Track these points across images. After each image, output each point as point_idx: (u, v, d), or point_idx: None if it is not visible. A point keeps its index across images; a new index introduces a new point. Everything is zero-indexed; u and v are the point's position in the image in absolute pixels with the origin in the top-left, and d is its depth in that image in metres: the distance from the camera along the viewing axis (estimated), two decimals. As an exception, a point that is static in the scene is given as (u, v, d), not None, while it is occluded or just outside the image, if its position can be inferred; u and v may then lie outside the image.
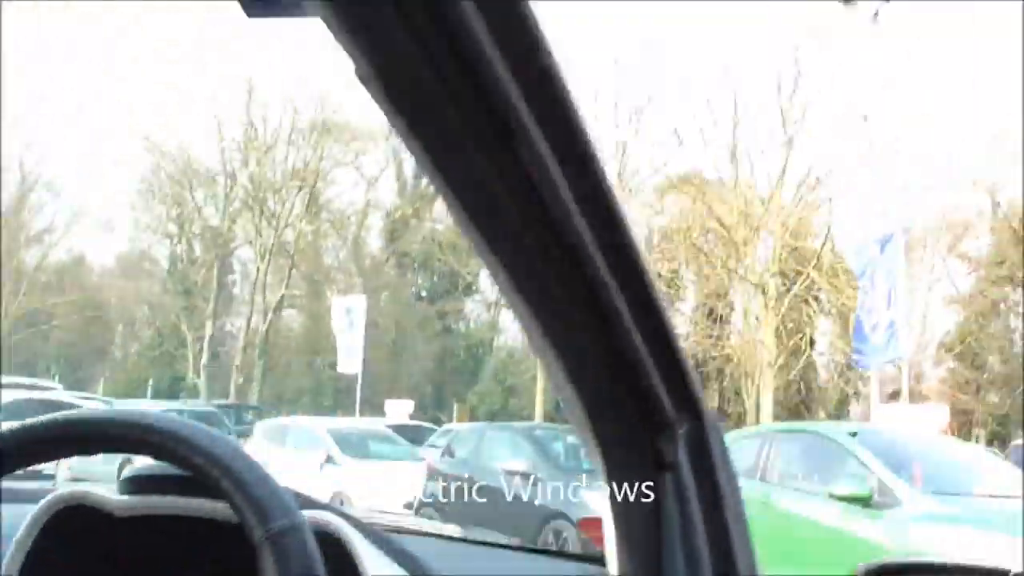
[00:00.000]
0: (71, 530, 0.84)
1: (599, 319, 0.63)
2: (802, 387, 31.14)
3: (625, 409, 0.72)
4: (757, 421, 22.06)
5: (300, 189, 35.83)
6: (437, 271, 38.81)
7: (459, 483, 10.04)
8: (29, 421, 0.78)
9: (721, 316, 31.69)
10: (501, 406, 39.27)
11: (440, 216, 38.38)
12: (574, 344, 0.66)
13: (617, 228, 0.60)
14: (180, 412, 19.07)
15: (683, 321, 36.84)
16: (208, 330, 35.52)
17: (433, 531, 1.33)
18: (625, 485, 0.75)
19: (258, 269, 35.49)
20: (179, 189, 37.30)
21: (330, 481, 10.85)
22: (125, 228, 40.04)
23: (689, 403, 0.74)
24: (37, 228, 38.59)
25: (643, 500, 0.74)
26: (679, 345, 0.72)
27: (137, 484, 0.88)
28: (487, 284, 42.90)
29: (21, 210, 36.73)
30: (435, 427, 16.42)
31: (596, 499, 8.91)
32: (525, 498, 9.45)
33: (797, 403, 33.09)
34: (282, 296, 36.26)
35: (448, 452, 11.28)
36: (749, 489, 7.56)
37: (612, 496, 0.77)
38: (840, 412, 30.84)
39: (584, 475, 9.63)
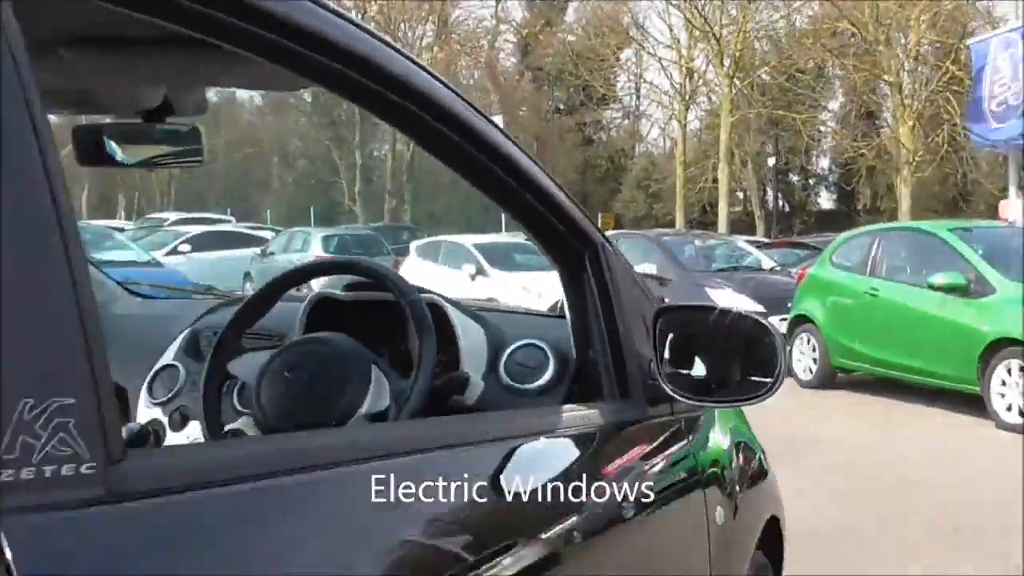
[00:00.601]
0: (320, 310, 1.69)
1: (510, 191, 1.36)
2: (959, 180, 30.20)
3: (555, 241, 1.48)
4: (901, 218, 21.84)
5: (429, 16, 36.05)
6: (572, 83, 38.63)
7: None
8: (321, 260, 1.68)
9: (870, 113, 30.75)
10: (645, 213, 39.81)
11: (571, 27, 37.90)
12: (510, 206, 1.41)
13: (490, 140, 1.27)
14: (342, 236, 20.75)
15: (831, 118, 35.83)
16: (358, 158, 37.21)
17: (508, 309, 2.17)
18: (570, 287, 1.53)
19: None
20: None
21: (481, 291, 11.93)
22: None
23: (584, 236, 1.50)
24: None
25: (574, 290, 1.53)
26: (563, 200, 1.44)
27: (349, 288, 1.73)
28: (624, 92, 42.54)
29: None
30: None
31: (725, 297, 9.69)
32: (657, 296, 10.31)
33: (953, 196, 32.16)
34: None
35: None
36: (857, 282, 8.14)
37: (564, 286, 1.55)
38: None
39: (710, 276, 10.39)
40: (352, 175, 37.74)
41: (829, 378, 8.58)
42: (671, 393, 1.49)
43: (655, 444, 1.59)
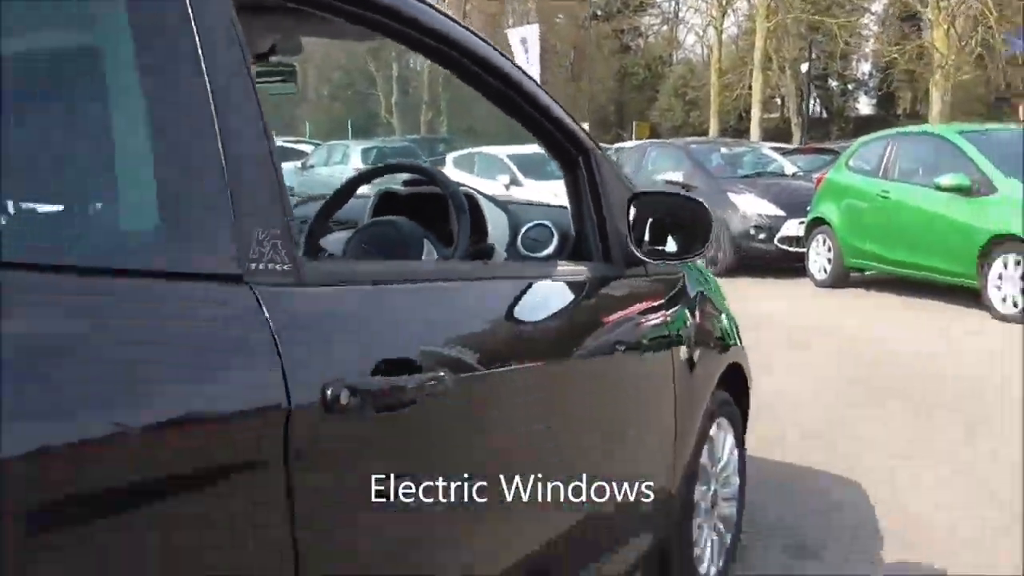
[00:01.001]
0: (384, 201, 2.30)
1: (522, 110, 1.93)
2: (1002, 85, 29.82)
3: (558, 148, 2.04)
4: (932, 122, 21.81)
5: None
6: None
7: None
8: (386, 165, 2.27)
9: (913, 15, 30.23)
10: (682, 121, 39.72)
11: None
12: (523, 121, 1.97)
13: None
14: (380, 148, 21.26)
15: (873, 21, 35.20)
16: (395, 70, 37.40)
17: (525, 201, 2.76)
18: (568, 181, 2.10)
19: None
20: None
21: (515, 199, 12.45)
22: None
23: (579, 144, 2.05)
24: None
25: (572, 183, 2.09)
26: (562, 116, 2.00)
27: (406, 184, 2.32)
28: (661, -2, 41.88)
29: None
30: (609, 147, 17.69)
31: (746, 201, 10.14)
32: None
33: (997, 99, 31.76)
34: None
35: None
36: (871, 185, 8.57)
37: (565, 181, 2.11)
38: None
39: (735, 181, 10.80)
40: (389, 87, 37.99)
41: (843, 278, 9.08)
42: (638, 255, 2.07)
43: (629, 292, 2.18)
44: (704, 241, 2.11)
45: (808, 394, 5.11)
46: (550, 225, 2.20)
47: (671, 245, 2.22)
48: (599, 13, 42.44)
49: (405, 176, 2.40)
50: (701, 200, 2.19)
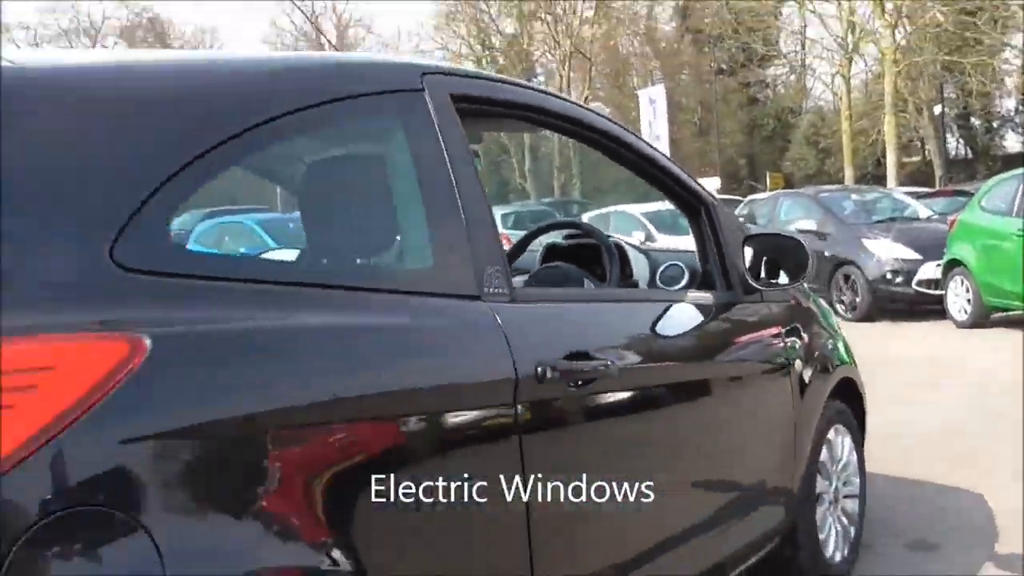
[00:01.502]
0: (549, 251, 2.97)
1: (650, 175, 2.56)
2: None
3: (684, 203, 2.63)
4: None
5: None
6: (733, 44, 38.49)
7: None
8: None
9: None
10: (816, 169, 39.37)
11: (731, -13, 37.73)
12: (653, 183, 2.59)
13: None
14: (519, 212, 22.22)
15: (1014, 56, 34.26)
16: (525, 138, 38.73)
17: (661, 248, 3.34)
18: (693, 228, 2.68)
19: (560, 75, 37.79)
20: (475, 10, 40.03)
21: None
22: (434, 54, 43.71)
23: (700, 198, 2.63)
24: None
25: (697, 230, 2.67)
26: (684, 177, 2.60)
27: (566, 238, 2.98)
28: (788, 49, 41.93)
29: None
30: (742, 199, 18.04)
31: (881, 247, 10.34)
32: (816, 250, 11.06)
33: None
34: (586, 96, 38.36)
35: (749, 218, 13.00)
36: (1006, 224, 8.70)
37: (691, 228, 2.69)
38: None
39: (867, 228, 11.00)
40: (520, 153, 39.31)
41: (983, 317, 9.14)
42: (753, 284, 2.63)
43: (748, 314, 2.72)
44: (803, 270, 2.65)
45: (938, 422, 5.41)
46: (681, 264, 2.79)
47: (782, 277, 2.77)
48: (724, 68, 42.75)
49: (565, 232, 3.05)
50: (799, 238, 2.73)
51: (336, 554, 1.41)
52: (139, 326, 1.27)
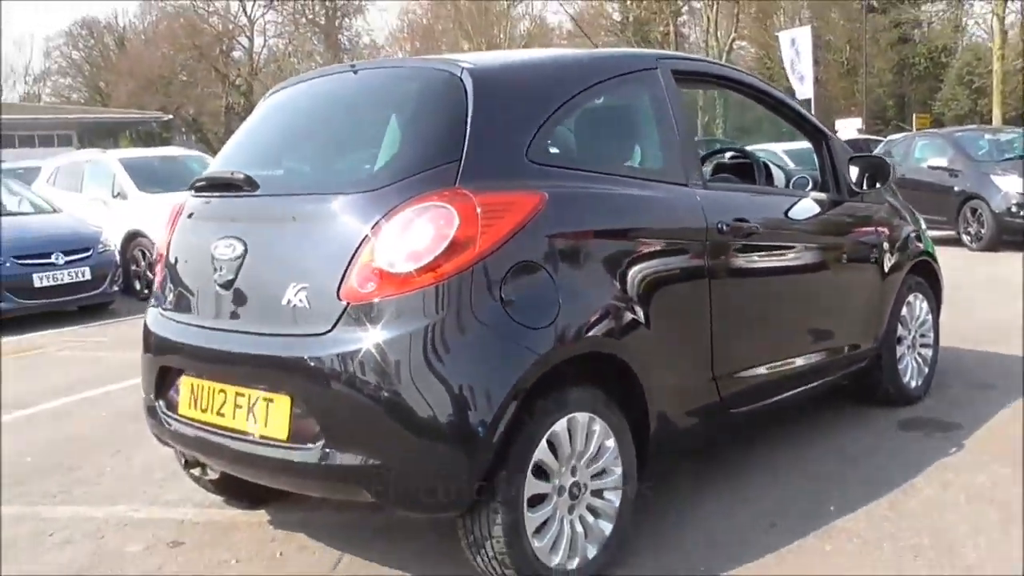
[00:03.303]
0: (716, 166, 4.45)
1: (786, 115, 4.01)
2: None
3: (810, 135, 4.05)
4: None
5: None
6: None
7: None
8: None
9: None
10: (969, 109, 38.50)
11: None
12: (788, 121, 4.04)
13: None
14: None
15: None
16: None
17: (795, 168, 4.80)
18: (816, 152, 4.10)
19: (707, 17, 38.14)
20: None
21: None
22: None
23: (820, 132, 4.03)
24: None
25: (818, 154, 4.09)
26: (809, 117, 4.03)
27: (731, 158, 4.47)
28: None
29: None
30: (881, 139, 18.67)
31: (1008, 182, 11.19)
32: (946, 185, 11.96)
33: None
34: (732, 37, 38.61)
35: (886, 157, 13.86)
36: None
37: (815, 153, 4.11)
38: None
39: (996, 164, 11.81)
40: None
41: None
42: (855, 189, 4.04)
43: (851, 208, 4.12)
44: (887, 178, 4.04)
45: (1019, 319, 6.60)
46: (807, 176, 4.22)
47: (875, 183, 4.16)
48: (875, 5, 41.86)
49: (730, 153, 4.52)
50: (886, 159, 4.11)
51: (635, 307, 2.94)
52: (542, 188, 2.82)
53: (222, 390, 2.86)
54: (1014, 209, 11.07)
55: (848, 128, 23.78)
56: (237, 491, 3.56)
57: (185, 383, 3.02)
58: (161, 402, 3.15)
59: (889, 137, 17.11)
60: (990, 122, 28.96)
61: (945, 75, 41.07)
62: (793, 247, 3.75)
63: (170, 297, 3.20)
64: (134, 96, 46.05)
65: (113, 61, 51.68)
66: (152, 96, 46.29)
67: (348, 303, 2.57)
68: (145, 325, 3.30)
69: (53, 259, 8.87)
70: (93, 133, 36.97)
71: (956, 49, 42.68)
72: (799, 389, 3.80)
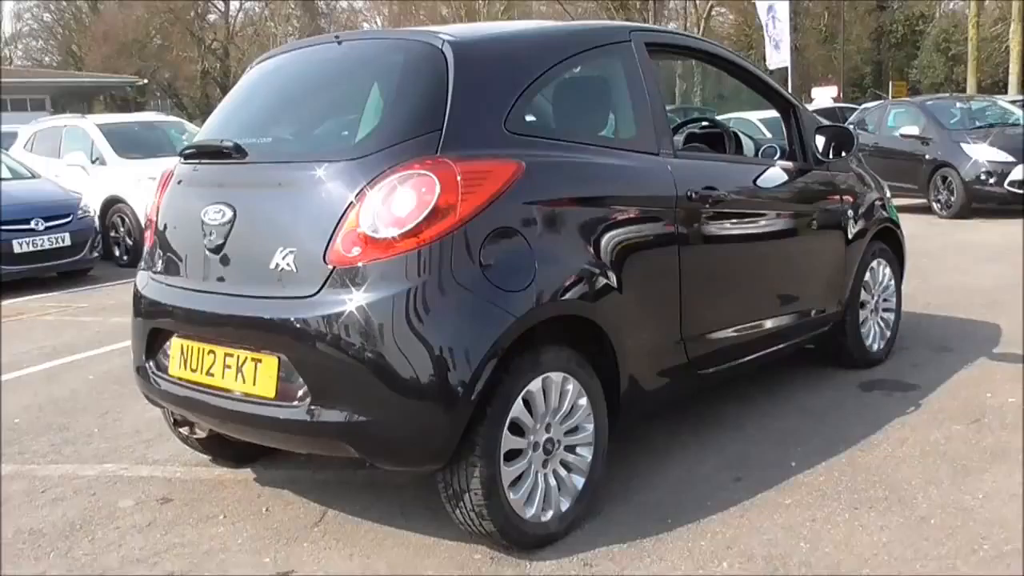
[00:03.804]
0: (688, 136, 4.57)
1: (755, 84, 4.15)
2: None
3: (777, 104, 4.19)
4: None
5: None
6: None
7: (865, 148, 12.90)
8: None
9: None
10: (945, 77, 38.76)
11: None
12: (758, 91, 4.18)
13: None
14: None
15: None
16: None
17: (764, 137, 4.91)
18: (784, 121, 4.24)
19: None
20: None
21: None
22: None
23: (787, 101, 4.17)
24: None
25: (785, 122, 4.23)
26: (777, 87, 4.16)
27: (701, 128, 4.58)
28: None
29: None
30: (856, 106, 18.84)
31: (978, 151, 11.38)
32: (917, 153, 12.16)
33: None
34: (711, 5, 38.55)
35: (860, 125, 14.05)
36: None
37: (782, 122, 4.25)
38: None
39: (966, 133, 12.01)
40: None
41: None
42: (820, 158, 4.18)
43: (816, 176, 4.26)
44: (850, 147, 4.19)
45: (987, 284, 6.80)
46: (775, 145, 4.36)
47: (840, 153, 4.30)
48: (855, -28, 41.86)
49: (702, 123, 4.64)
50: (851, 129, 4.26)
51: (608, 272, 3.07)
52: (519, 157, 2.94)
53: (211, 351, 2.98)
54: (983, 177, 11.28)
55: (823, 96, 23.90)
56: (224, 450, 3.69)
57: (175, 344, 3.13)
58: (151, 363, 3.27)
59: (864, 105, 17.27)
60: (965, 90, 29.20)
61: (922, 42, 41.27)
62: (761, 214, 3.90)
63: (160, 261, 3.30)
64: (108, 60, 45.32)
65: (86, 24, 50.81)
66: (127, 60, 45.58)
67: (334, 267, 2.69)
68: (135, 288, 3.40)
69: (33, 225, 8.90)
70: (67, 97, 36.51)
71: (933, 16, 42.85)
72: (765, 351, 3.96)
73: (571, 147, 3.14)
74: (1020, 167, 11.07)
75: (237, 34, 50.74)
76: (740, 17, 41.83)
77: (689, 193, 3.42)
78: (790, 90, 25.17)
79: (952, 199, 11.57)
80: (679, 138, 4.39)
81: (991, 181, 11.26)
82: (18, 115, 26.44)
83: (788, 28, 24.67)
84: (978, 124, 12.51)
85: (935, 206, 11.80)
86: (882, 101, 18.38)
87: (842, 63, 37.95)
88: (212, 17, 51.26)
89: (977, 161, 11.37)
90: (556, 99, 3.35)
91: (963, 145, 11.62)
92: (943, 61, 39.22)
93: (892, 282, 4.87)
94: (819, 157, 4.22)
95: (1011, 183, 11.15)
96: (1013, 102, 14.97)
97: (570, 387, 2.95)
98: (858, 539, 2.89)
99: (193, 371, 3.04)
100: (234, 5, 50.95)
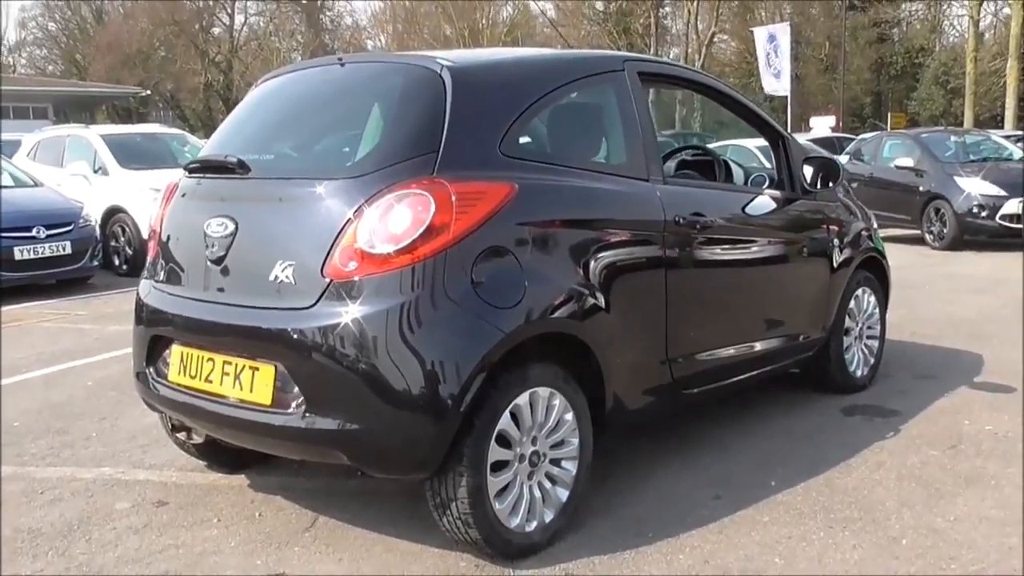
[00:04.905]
0: (678, 164, 4.69)
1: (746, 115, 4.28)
2: None
3: (767, 135, 4.32)
4: None
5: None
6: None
7: (860, 178, 13.05)
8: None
9: None
10: (943, 110, 39.07)
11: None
12: (750, 122, 4.30)
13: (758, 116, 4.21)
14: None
15: None
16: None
17: (755, 166, 5.06)
18: (774, 151, 4.37)
19: (688, 9, 38.42)
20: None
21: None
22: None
23: (777, 132, 4.29)
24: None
25: (775, 152, 4.36)
26: (768, 118, 4.29)
27: (691, 155, 4.71)
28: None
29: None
30: (854, 136, 19.02)
31: (971, 184, 11.54)
32: (912, 185, 12.31)
33: None
34: (712, 32, 38.91)
35: (856, 155, 14.22)
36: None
37: (772, 152, 4.38)
38: None
39: (960, 166, 12.17)
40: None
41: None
42: (808, 188, 4.30)
43: (804, 205, 4.38)
44: (837, 178, 4.31)
45: (973, 314, 6.91)
46: (764, 174, 4.48)
47: (828, 183, 4.42)
48: (856, 3, 42.27)
49: (692, 151, 4.76)
50: (837, 160, 4.39)
51: (596, 293, 3.18)
52: (512, 180, 3.05)
53: (211, 358, 3.08)
54: (975, 210, 11.43)
55: (822, 126, 24.15)
56: (219, 456, 3.78)
57: (175, 352, 3.23)
58: (151, 369, 3.37)
59: (861, 136, 17.46)
60: (963, 123, 29.46)
61: (922, 75, 41.64)
62: (747, 241, 4.02)
63: (163, 271, 3.40)
64: (111, 70, 45.63)
65: (91, 34, 51.13)
66: (130, 71, 45.89)
67: (331, 280, 2.79)
68: (138, 296, 3.50)
69: (34, 233, 9.01)
70: (70, 106, 36.72)
71: (933, 50, 43.26)
72: (749, 373, 4.07)
73: (563, 171, 3.26)
74: (1012, 201, 11.22)
75: (241, 48, 51.11)
76: (742, 44, 42.15)
77: (677, 218, 3.53)
78: (789, 118, 25.58)
79: (945, 231, 11.71)
80: (671, 164, 4.51)
81: (983, 214, 11.40)
82: (21, 123, 26.60)
83: (789, 57, 24.93)
84: (972, 158, 12.68)
85: (928, 237, 11.94)
86: (878, 132, 18.57)
87: (842, 93, 38.23)
88: (216, 30, 51.64)
89: (970, 194, 11.51)
90: (550, 124, 3.46)
91: (956, 178, 11.77)
92: (942, 94, 39.56)
93: (876, 310, 4.98)
94: (806, 187, 4.34)
95: (1002, 216, 11.30)
96: (1008, 137, 15.13)
97: (556, 402, 3.05)
98: (831, 556, 2.98)
99: (192, 378, 3.14)
100: (239, 19, 51.32)
